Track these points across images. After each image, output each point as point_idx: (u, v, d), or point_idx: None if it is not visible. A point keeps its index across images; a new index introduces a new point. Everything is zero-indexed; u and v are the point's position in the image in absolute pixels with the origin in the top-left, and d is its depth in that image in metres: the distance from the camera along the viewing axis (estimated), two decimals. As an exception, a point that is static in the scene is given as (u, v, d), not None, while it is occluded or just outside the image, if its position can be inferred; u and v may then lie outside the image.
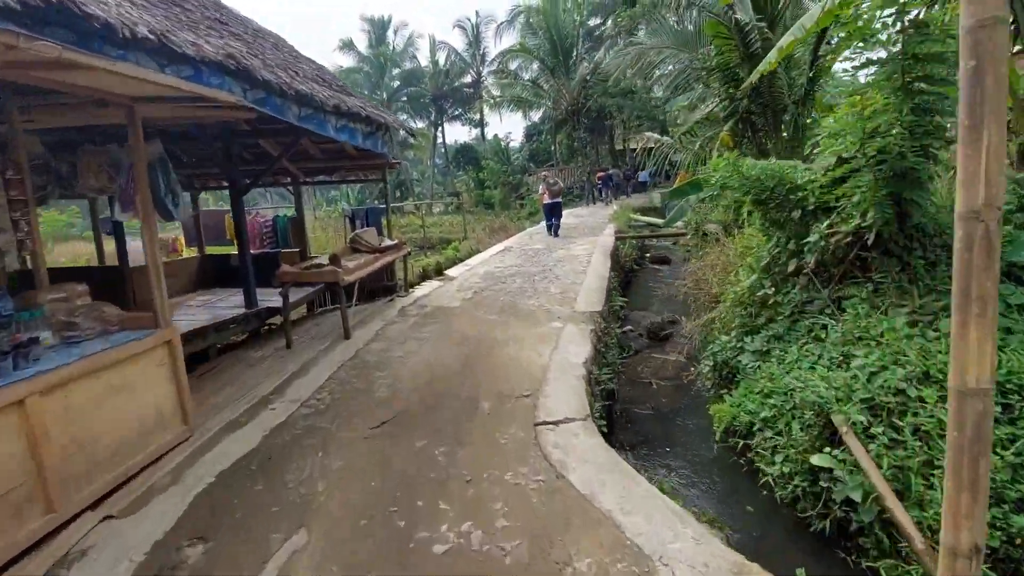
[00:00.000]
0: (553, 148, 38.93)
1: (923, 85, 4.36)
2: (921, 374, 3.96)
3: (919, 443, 3.58)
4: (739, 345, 5.92)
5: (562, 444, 3.44)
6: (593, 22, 33.51)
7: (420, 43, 40.69)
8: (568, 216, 19.85)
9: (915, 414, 3.74)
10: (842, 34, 10.81)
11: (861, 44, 4.66)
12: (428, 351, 5.49)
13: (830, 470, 3.69)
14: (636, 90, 32.05)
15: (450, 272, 10.34)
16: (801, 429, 4.15)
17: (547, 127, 38.98)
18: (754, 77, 8.50)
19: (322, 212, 46.87)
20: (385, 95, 39.09)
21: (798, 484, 3.89)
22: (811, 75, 11.19)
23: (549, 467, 3.20)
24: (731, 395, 5.24)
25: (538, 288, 8.26)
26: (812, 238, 5.45)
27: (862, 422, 3.79)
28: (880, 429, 3.71)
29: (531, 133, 43.48)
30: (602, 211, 22.14)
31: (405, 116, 41.89)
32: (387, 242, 7.85)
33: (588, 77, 27.97)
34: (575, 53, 29.37)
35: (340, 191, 52.07)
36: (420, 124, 43.34)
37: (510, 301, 7.51)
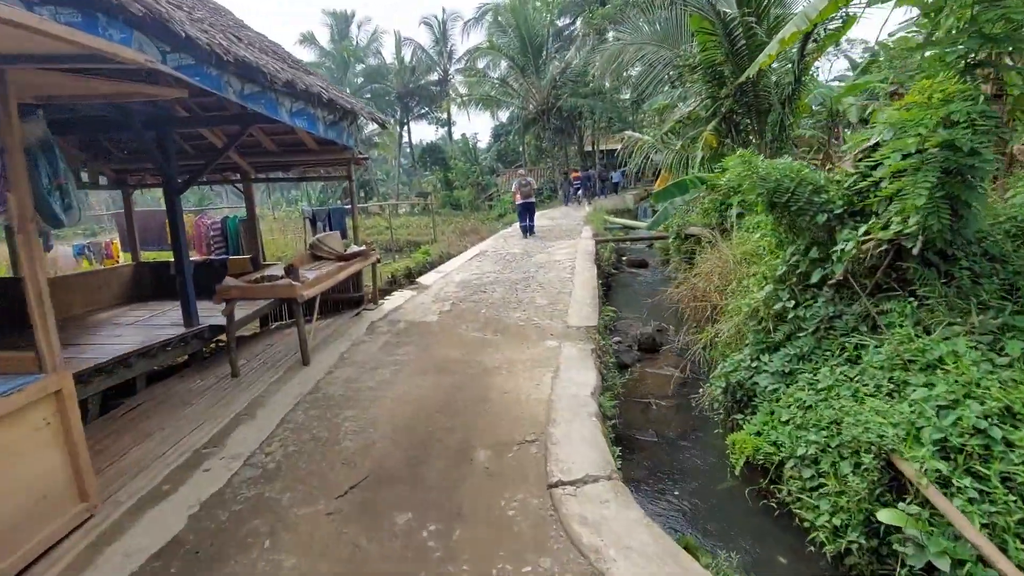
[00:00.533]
0: (521, 148, 38.24)
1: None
2: (1002, 410, 3.32)
3: (1013, 497, 2.93)
4: (755, 365, 5.24)
5: (591, 519, 2.62)
6: (562, 22, 32.97)
7: (385, 39, 39.40)
8: (541, 218, 19.12)
9: (1002, 459, 3.09)
10: (832, 28, 10.35)
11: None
12: (404, 381, 4.59)
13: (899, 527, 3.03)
14: (605, 91, 31.69)
15: (423, 280, 9.40)
16: (854, 473, 3.45)
17: (515, 127, 38.26)
18: (752, 70, 7.93)
19: (282, 212, 44.95)
20: (348, 91, 37.48)
21: (853, 539, 3.20)
22: (796, 75, 10.76)
23: (579, 557, 2.38)
24: (749, 422, 4.58)
25: (522, 298, 7.44)
26: (844, 245, 4.81)
27: (939, 471, 3.13)
28: (965, 481, 3.05)
29: (499, 133, 42.70)
30: (576, 212, 21.52)
31: (369, 114, 40.42)
32: (353, 248, 6.88)
33: (558, 77, 27.35)
34: (545, 52, 28.72)
35: (301, 190, 50.05)
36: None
37: (494, 315, 6.66)
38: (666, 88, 13.01)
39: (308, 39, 38.61)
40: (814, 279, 5.18)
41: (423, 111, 39.59)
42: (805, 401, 4.36)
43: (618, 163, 37.67)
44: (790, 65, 10.90)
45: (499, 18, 31.13)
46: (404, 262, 13.18)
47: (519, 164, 37.03)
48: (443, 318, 6.62)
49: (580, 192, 27.29)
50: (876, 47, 11.46)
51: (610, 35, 31.26)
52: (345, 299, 7.24)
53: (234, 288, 4.76)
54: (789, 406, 4.45)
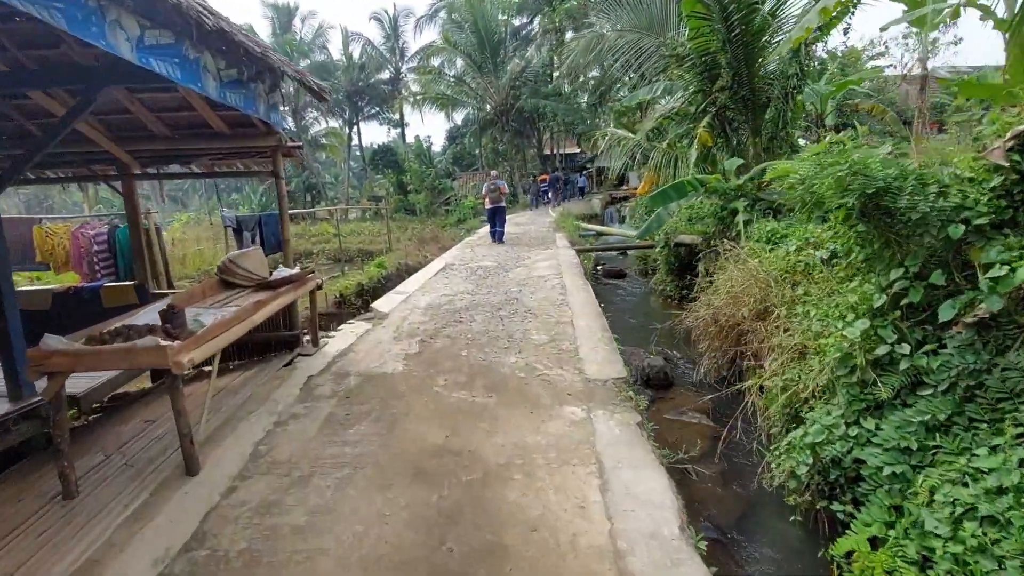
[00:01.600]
0: (478, 151, 36.45)
1: None
2: None
3: None
4: (854, 433, 3.67)
5: None
6: (519, 21, 31.48)
7: (332, 35, 36.66)
8: (507, 224, 17.38)
9: None
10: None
11: None
12: (357, 508, 2.70)
13: None
14: (565, 94, 30.38)
15: (381, 305, 7.40)
16: None
17: (471, 129, 36.42)
18: (783, 49, 6.53)
19: (217, 218, 41.24)
20: (292, 89, 34.56)
21: None
22: (801, 65, 9.51)
23: None
24: (856, 518, 3.07)
25: (512, 332, 5.64)
26: (1000, 271, 3.30)
27: None
28: None
29: (454, 136, 40.73)
30: (542, 218, 19.91)
31: (315, 113, 37.60)
32: (282, 271, 4.87)
33: (519, 75, 25.75)
34: (503, 50, 27.06)
35: (244, 192, 46.20)
36: (334, 123, 39.14)
37: (480, 359, 4.84)
38: (648, 82, 11.58)
39: (247, 33, 35.30)
40: (944, 315, 3.64)
41: (374, 111, 37.11)
42: (967, 501, 2.80)
43: (580, 167, 36.56)
44: (791, 55, 9.63)
45: (454, 15, 29.27)
46: (355, 277, 11.09)
47: (475, 167, 35.20)
48: (411, 366, 4.73)
49: (549, 195, 25.83)
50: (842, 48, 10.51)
51: (568, 35, 30.02)
52: (274, 339, 5.21)
53: (59, 355, 2.72)
54: (938, 505, 2.88)
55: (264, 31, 36.26)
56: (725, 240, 9.50)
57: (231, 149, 5.12)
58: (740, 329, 6.27)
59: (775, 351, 5.17)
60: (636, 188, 26.43)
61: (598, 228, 15.37)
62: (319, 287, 5.33)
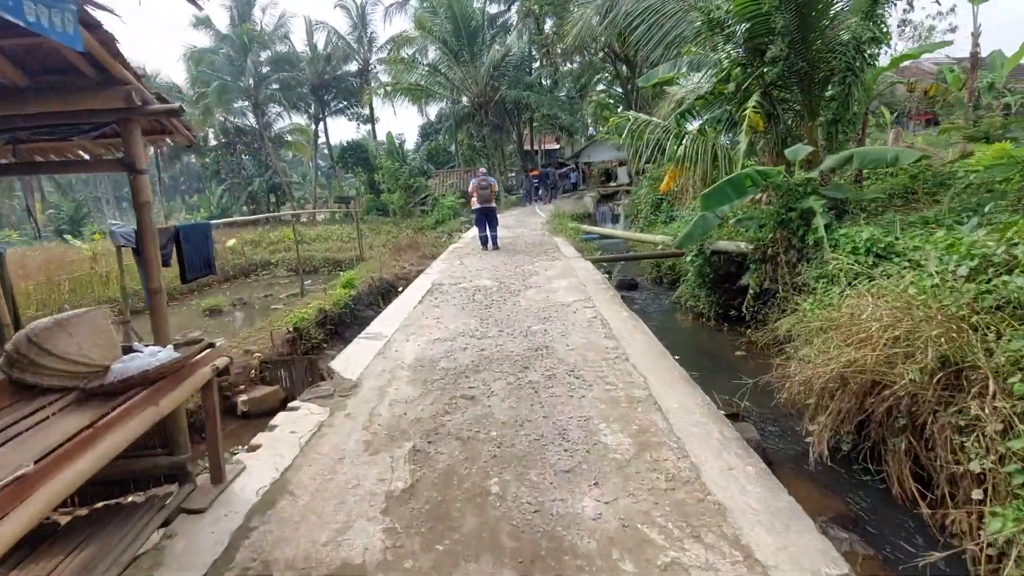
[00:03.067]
0: (453, 148, 33.85)
1: None
2: None
3: None
4: None
5: None
6: (495, 8, 29.00)
7: (295, 24, 33.42)
8: (495, 227, 14.98)
9: None
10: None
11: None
12: None
13: None
14: (544, 85, 28.08)
15: (346, 363, 4.87)
16: None
17: (447, 124, 33.78)
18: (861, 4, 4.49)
19: (182, 218, 37.59)
20: (252, 82, 31.32)
21: None
22: (876, 30, 7.44)
23: None
24: None
25: (565, 425, 3.28)
26: None
27: None
28: None
29: (428, 132, 37.99)
30: (532, 218, 17.59)
31: (279, 108, 34.34)
32: (143, 356, 2.43)
33: (499, 63, 23.29)
34: (481, 38, 24.54)
35: (204, 194, 42.32)
36: (298, 119, 35.92)
37: (530, 508, 2.48)
38: (675, 54, 9.36)
39: (203, 23, 31.86)
40: None
41: (341, 105, 34.06)
42: None
43: (561, 162, 34.31)
44: (864, 15, 7.55)
45: (425, 1, 26.55)
46: (315, 301, 8.54)
47: (451, 164, 32.61)
48: (398, 539, 2.36)
49: (540, 191, 23.61)
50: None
51: (548, 25, 27.69)
52: (139, 471, 2.74)
53: None
54: None
55: (222, 21, 32.87)
56: (790, 250, 7.38)
57: (42, 122, 2.61)
58: (882, 386, 4.16)
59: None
60: (625, 185, 24.37)
61: (602, 230, 13.16)
62: (224, 370, 2.86)
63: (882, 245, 5.91)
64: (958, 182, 6.55)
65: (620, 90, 29.13)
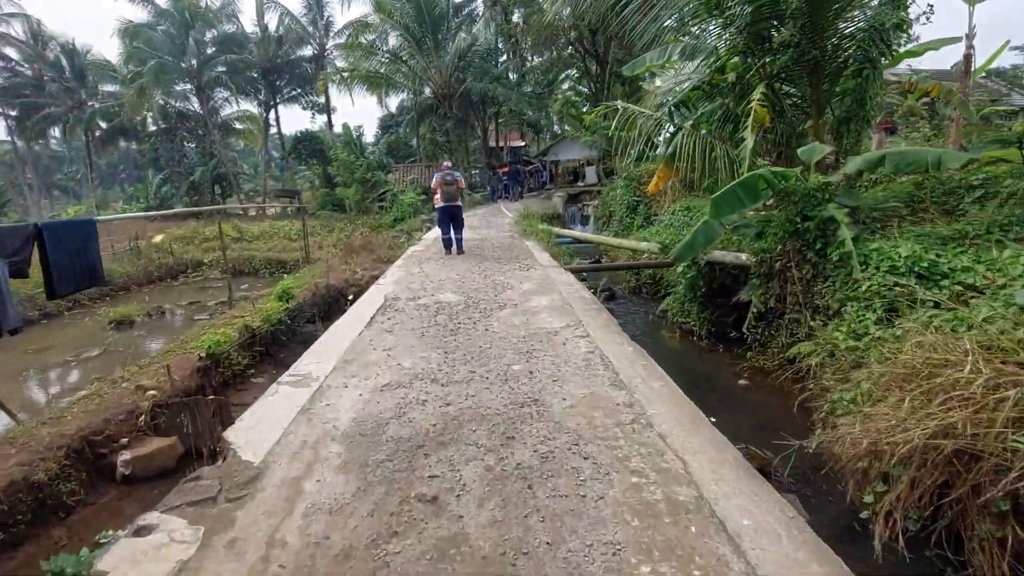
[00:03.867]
0: (415, 142, 32.06)
1: None
2: None
3: None
4: None
5: None
6: (460, -2, 27.39)
7: (243, 2, 30.73)
8: (460, 227, 13.54)
9: None
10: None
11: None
12: None
13: None
14: (511, 80, 26.75)
15: (244, 437, 3.36)
16: None
17: (408, 117, 31.96)
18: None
19: (120, 208, 34.31)
20: (195, 62, 28.53)
21: None
22: (897, 17, 6.52)
23: None
24: None
25: (587, 571, 2.06)
26: None
27: None
28: None
29: (388, 124, 36.00)
30: (497, 218, 16.24)
31: (227, 93, 31.57)
32: None
33: (465, 53, 21.77)
34: (446, 26, 22.93)
35: (145, 183, 38.59)
36: (248, 105, 33.21)
37: None
38: (669, 37, 8.21)
39: (140, -5, 28.77)
40: None
41: (294, 92, 31.65)
42: None
43: (527, 159, 33.07)
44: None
45: (386, -16, 24.67)
46: (240, 318, 6.90)
47: (412, 159, 30.82)
48: None
49: (509, 189, 22.32)
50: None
51: (516, 16, 26.33)
52: None
53: None
54: None
55: (159, -7, 29.76)
56: (804, 265, 6.36)
57: None
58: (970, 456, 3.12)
59: None
60: (595, 184, 23.30)
61: (576, 234, 11.96)
62: None
63: (924, 264, 4.93)
64: (1003, 190, 5.67)
65: (589, 88, 28.16)
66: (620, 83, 22.11)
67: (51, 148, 54.46)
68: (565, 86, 34.69)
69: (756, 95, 6.88)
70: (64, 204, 53.65)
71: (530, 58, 27.36)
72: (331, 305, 9.49)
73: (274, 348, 7.18)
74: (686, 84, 8.21)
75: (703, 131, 7.74)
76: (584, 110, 30.64)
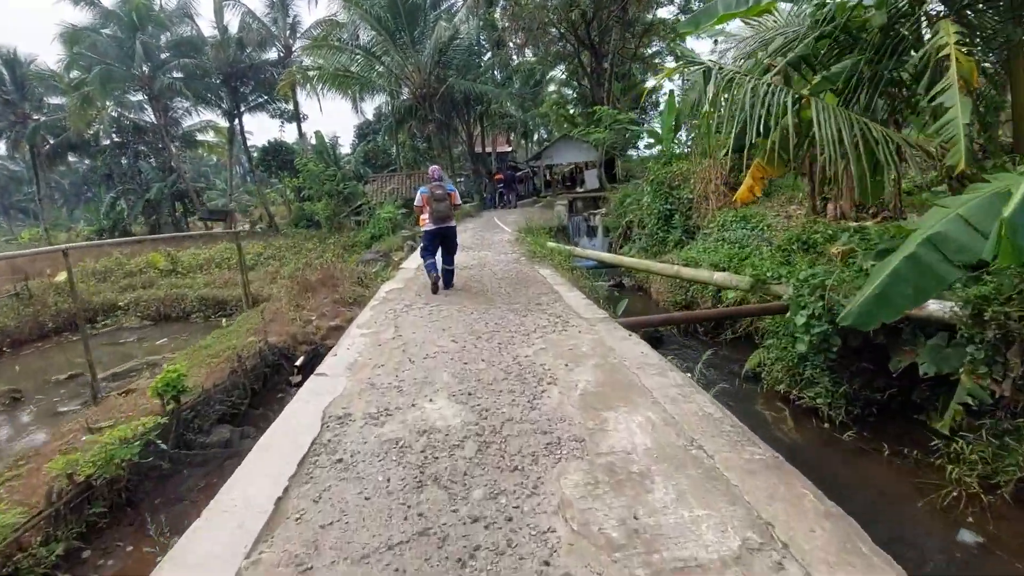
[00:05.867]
0: (394, 150, 28.81)
1: None
2: None
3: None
4: None
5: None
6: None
7: (201, 5, 27.19)
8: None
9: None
10: None
11: None
12: None
13: None
14: (496, 78, 23.76)
15: None
16: None
17: (386, 124, 28.72)
18: None
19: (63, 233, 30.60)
20: (146, 68, 24.94)
21: None
22: None
23: None
24: None
25: None
26: None
27: None
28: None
29: (365, 132, 32.68)
30: (492, 233, 13.12)
31: (188, 103, 27.98)
32: None
33: (446, 47, 18.66)
34: (423, 19, 19.79)
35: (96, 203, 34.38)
36: (210, 115, 29.65)
37: None
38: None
39: (81, -6, 25.05)
40: None
41: (260, 99, 28.20)
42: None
43: (515, 165, 30.02)
44: None
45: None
46: (69, 453, 3.68)
47: (392, 168, 27.56)
48: None
49: (506, 196, 19.41)
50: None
51: (500, 4, 23.32)
52: None
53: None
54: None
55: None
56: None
57: None
58: None
59: None
60: (596, 190, 20.25)
61: (603, 256, 8.92)
62: None
63: None
64: None
65: (580, 85, 25.24)
66: (618, 79, 19.29)
67: (9, 168, 50.00)
68: (551, 88, 31.81)
69: (947, 34, 3.93)
70: (26, 225, 49.07)
71: (516, 55, 24.41)
72: (268, 379, 6.31)
73: (135, 495, 3.97)
74: (790, 36, 5.21)
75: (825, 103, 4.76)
76: (571, 111, 27.79)
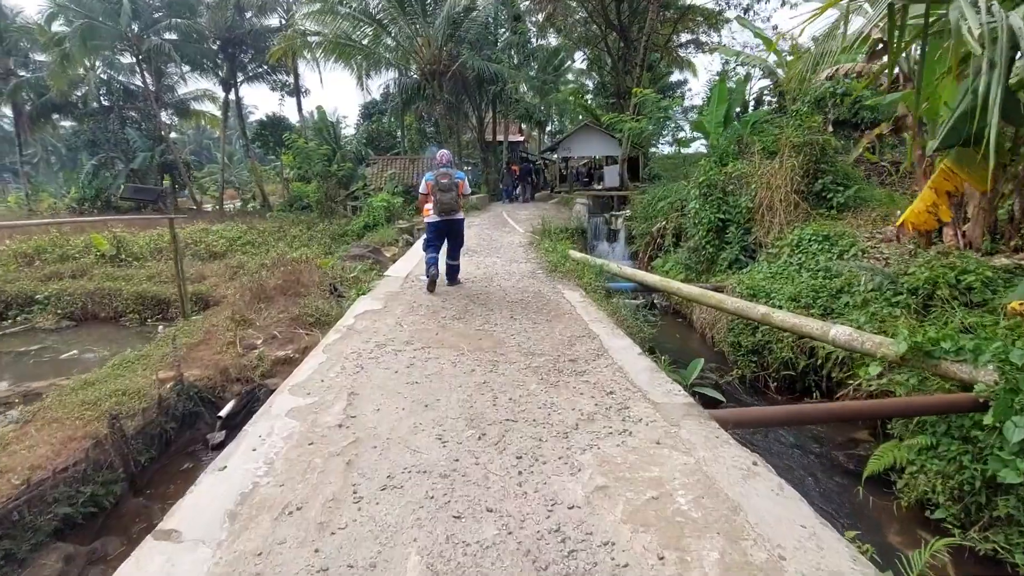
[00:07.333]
0: (400, 132, 26.65)
1: None
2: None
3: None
4: None
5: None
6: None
7: (200, -39, 24.83)
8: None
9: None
10: None
11: None
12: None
13: None
14: (512, 60, 21.51)
15: None
16: None
17: (392, 104, 26.46)
18: None
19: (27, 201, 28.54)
20: (135, 27, 22.67)
21: None
22: None
23: None
24: None
25: None
26: None
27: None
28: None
29: (370, 112, 30.42)
30: (501, 234, 11.07)
31: (185, 68, 25.72)
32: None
33: (458, 23, 16.45)
34: (435, -12, 17.53)
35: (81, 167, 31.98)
36: (205, 84, 27.44)
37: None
38: None
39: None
40: None
41: (260, 69, 25.95)
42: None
43: (529, 156, 27.83)
44: None
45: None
46: None
47: (396, 151, 25.37)
48: None
49: (520, 188, 17.50)
50: None
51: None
52: None
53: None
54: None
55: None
56: None
57: None
58: None
59: None
60: (616, 189, 18.06)
61: (647, 278, 6.87)
62: None
63: None
64: None
65: (605, 72, 22.99)
66: (648, 68, 17.10)
67: (3, 128, 47.59)
68: (569, 77, 29.51)
69: None
70: (21, 188, 46.81)
71: (535, 37, 22.12)
72: (174, 437, 4.30)
73: None
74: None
75: None
76: (588, 102, 25.46)
